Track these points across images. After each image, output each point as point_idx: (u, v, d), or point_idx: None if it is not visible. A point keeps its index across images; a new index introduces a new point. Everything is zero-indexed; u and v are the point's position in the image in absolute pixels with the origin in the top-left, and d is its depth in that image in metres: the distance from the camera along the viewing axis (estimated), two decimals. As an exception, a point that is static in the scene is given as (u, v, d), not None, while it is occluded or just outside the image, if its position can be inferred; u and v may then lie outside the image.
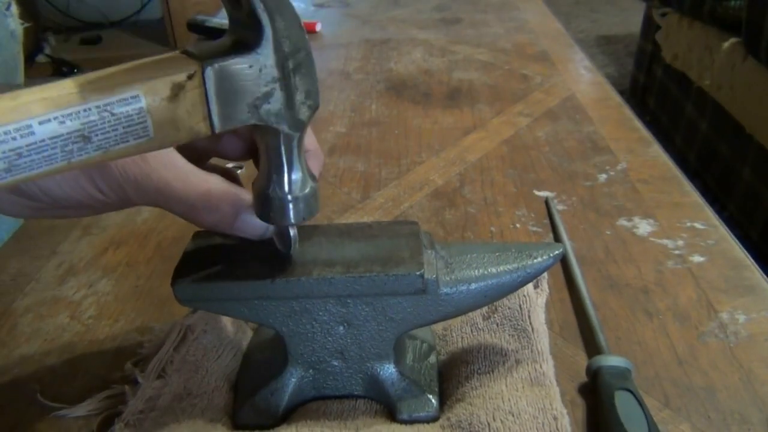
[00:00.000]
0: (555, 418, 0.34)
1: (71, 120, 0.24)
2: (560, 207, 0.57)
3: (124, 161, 0.30)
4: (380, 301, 0.34)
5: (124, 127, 0.25)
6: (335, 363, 0.36)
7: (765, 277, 0.48)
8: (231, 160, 0.39)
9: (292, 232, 0.33)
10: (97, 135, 0.24)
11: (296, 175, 0.30)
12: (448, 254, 0.35)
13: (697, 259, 0.49)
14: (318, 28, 1.11)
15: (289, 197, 0.30)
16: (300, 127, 0.29)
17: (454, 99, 0.81)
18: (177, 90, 0.25)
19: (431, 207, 0.58)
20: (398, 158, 0.67)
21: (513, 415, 0.34)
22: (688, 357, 0.41)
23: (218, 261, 0.34)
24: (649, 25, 2.19)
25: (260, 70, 0.27)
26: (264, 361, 0.39)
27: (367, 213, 0.58)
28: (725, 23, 1.63)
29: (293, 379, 0.36)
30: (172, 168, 0.31)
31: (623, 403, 0.35)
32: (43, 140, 0.23)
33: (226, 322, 0.43)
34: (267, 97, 0.28)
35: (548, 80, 0.85)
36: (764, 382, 0.39)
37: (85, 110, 0.24)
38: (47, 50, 2.62)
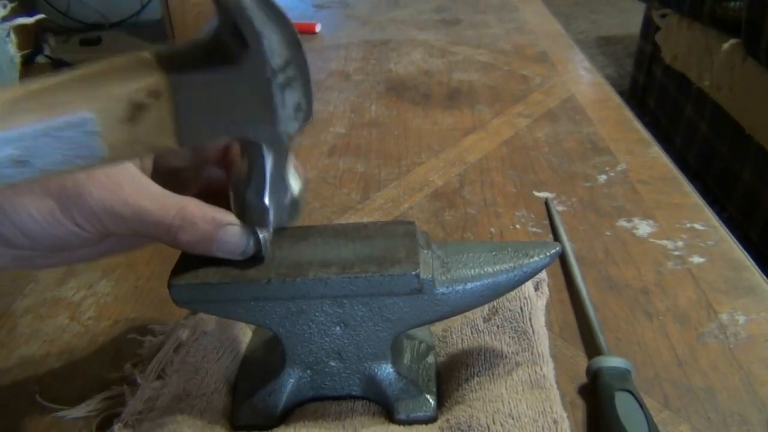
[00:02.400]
0: (555, 422, 0.34)
1: (4, 146, 0.20)
2: (560, 208, 0.57)
3: (100, 191, 0.29)
4: (376, 302, 0.34)
5: (70, 150, 0.21)
6: (333, 363, 0.36)
7: (765, 278, 0.47)
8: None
9: (263, 236, 0.32)
10: (36, 159, 0.21)
11: (278, 184, 0.28)
12: (444, 254, 0.35)
13: (696, 260, 0.49)
14: (318, 28, 1.11)
15: (270, 205, 0.29)
16: (286, 140, 0.27)
17: (454, 100, 0.81)
18: (136, 110, 0.22)
19: (431, 208, 0.58)
20: (398, 159, 0.67)
21: (513, 418, 0.34)
22: (688, 358, 0.41)
23: (214, 262, 0.34)
24: (649, 26, 2.19)
25: (241, 85, 0.23)
26: (262, 362, 0.39)
27: (366, 214, 0.58)
28: (725, 24, 1.63)
29: (291, 380, 0.36)
30: (147, 193, 0.30)
31: (623, 404, 0.35)
32: None
33: (227, 323, 0.43)
34: (248, 112, 0.24)
35: (548, 81, 0.85)
36: (764, 383, 0.39)
37: (20, 135, 0.20)
38: (47, 51, 2.62)
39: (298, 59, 0.25)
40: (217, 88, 0.23)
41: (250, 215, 0.29)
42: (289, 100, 0.25)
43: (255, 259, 0.33)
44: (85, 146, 0.22)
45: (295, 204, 0.30)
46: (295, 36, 0.24)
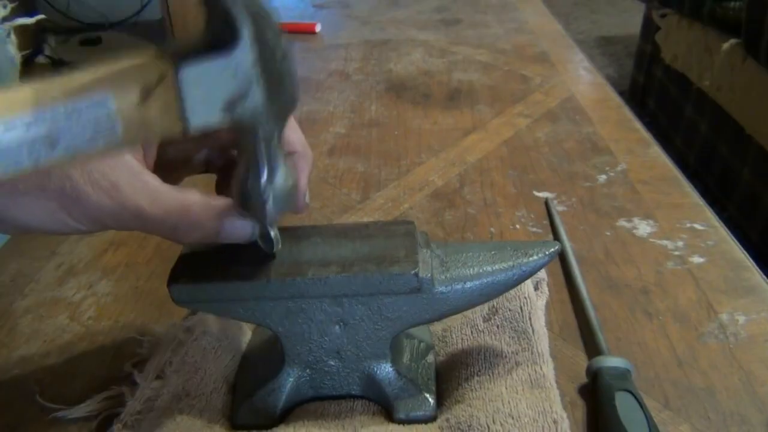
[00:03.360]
0: (555, 422, 0.34)
1: (38, 125, 0.23)
2: (560, 208, 0.57)
3: (97, 194, 0.29)
4: (376, 301, 0.34)
5: (92, 130, 0.24)
6: (332, 363, 0.36)
7: (765, 278, 0.47)
8: (209, 172, 0.39)
9: (273, 232, 0.33)
10: (65, 138, 0.24)
11: (274, 171, 0.30)
12: (443, 253, 0.35)
13: (696, 259, 0.49)
14: (317, 28, 1.11)
15: (268, 193, 0.30)
16: (278, 123, 0.29)
17: (454, 100, 0.81)
18: (147, 93, 0.25)
19: (431, 208, 0.58)
20: (398, 159, 0.67)
21: (513, 418, 0.34)
22: (688, 358, 0.41)
23: (214, 261, 0.34)
24: (649, 26, 2.19)
25: (236, 70, 0.26)
26: (262, 362, 0.39)
27: (366, 214, 0.58)
28: (725, 24, 1.63)
29: (290, 379, 0.36)
30: (146, 192, 0.30)
31: (623, 404, 0.35)
32: (9, 146, 0.23)
33: (226, 322, 0.43)
34: (243, 96, 0.27)
35: (548, 81, 0.85)
36: (764, 383, 0.39)
37: (52, 114, 0.23)
38: (47, 51, 2.63)
39: (282, 46, 0.28)
40: (212, 73, 0.26)
41: (250, 204, 0.31)
42: (278, 84, 0.28)
43: (267, 255, 0.34)
44: (105, 126, 0.24)
45: (290, 194, 0.32)
46: (278, 24, 0.27)
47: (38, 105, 0.23)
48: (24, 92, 0.24)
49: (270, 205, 0.31)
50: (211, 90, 0.26)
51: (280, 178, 0.31)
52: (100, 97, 0.24)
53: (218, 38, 0.27)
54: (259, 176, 0.30)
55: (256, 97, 0.27)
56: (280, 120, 0.29)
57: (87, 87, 0.24)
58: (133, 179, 0.30)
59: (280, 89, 0.28)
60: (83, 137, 0.24)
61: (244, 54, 0.26)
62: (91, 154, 0.25)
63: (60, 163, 0.25)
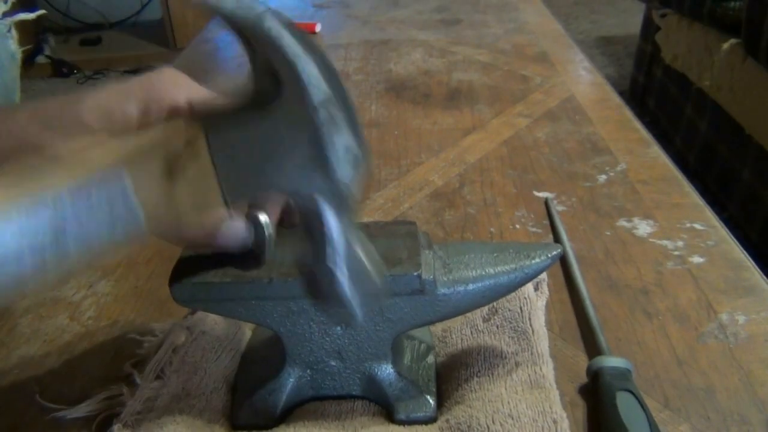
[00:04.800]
0: (555, 422, 0.34)
1: (39, 211, 0.18)
2: (560, 208, 0.57)
3: None
4: None
5: (105, 216, 0.19)
6: (333, 363, 0.36)
7: (764, 278, 0.47)
8: None
9: (267, 233, 0.32)
10: (72, 228, 0.19)
11: (346, 250, 0.25)
12: (445, 254, 0.35)
13: (696, 260, 0.49)
14: (317, 28, 1.11)
15: (339, 273, 0.25)
16: (343, 190, 0.24)
17: (454, 100, 0.81)
18: (172, 164, 0.20)
19: (431, 208, 0.58)
20: (398, 159, 0.67)
21: (512, 418, 0.34)
22: (688, 358, 0.41)
23: (216, 261, 0.34)
24: (649, 26, 2.19)
25: (281, 128, 0.21)
26: (262, 362, 0.39)
27: (367, 214, 0.58)
28: (725, 24, 1.63)
29: (291, 380, 0.36)
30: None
31: (624, 404, 0.35)
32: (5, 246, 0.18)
33: (226, 323, 0.43)
34: (294, 158, 0.22)
35: (548, 81, 0.85)
36: (764, 383, 0.39)
37: (54, 197, 0.19)
38: (47, 51, 2.63)
39: (339, 92, 0.22)
40: (251, 133, 0.21)
41: (320, 288, 0.26)
42: (337, 140, 0.22)
43: (258, 260, 0.33)
44: (120, 209, 0.19)
45: (368, 272, 0.26)
46: (331, 66, 0.22)
47: (38, 184, 0.19)
48: (18, 185, 0.19)
49: (345, 287, 0.25)
50: (253, 155, 0.21)
51: (353, 259, 0.25)
52: (112, 173, 0.19)
53: (258, 90, 0.21)
54: (324, 257, 0.25)
55: (308, 157, 0.22)
56: (344, 185, 0.24)
57: (96, 162, 0.19)
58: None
59: (339, 146, 0.22)
60: (93, 225, 0.19)
61: (289, 107, 0.21)
62: (110, 245, 0.20)
63: (71, 263, 0.19)
